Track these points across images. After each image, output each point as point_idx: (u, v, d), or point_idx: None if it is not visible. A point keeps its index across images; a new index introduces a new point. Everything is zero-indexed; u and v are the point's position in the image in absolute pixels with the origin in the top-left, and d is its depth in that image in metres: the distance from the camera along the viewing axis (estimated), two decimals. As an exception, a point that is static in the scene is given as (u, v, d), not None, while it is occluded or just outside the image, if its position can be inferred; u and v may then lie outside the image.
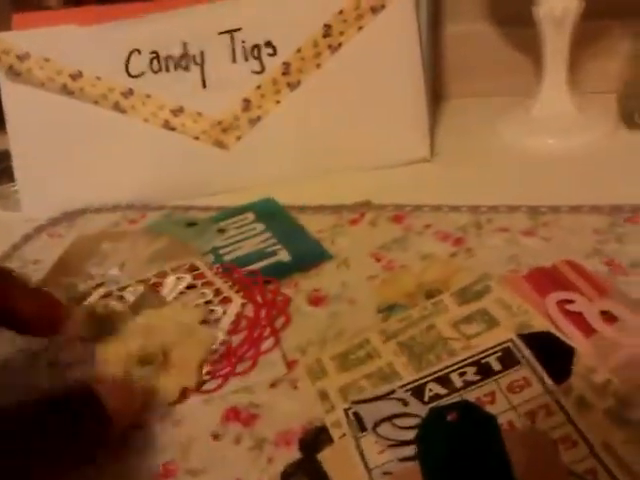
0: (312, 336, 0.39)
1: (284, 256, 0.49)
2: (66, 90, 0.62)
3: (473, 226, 0.48)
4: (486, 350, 0.33)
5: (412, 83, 0.61)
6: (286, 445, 0.32)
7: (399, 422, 0.29)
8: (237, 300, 0.44)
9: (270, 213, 0.56)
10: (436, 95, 0.74)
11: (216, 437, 0.34)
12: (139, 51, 0.61)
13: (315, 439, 0.31)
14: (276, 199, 0.57)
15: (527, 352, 0.32)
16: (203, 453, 0.33)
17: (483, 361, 0.32)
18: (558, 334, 0.32)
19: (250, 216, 0.56)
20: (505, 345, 0.33)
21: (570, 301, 0.34)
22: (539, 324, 0.33)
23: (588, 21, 0.59)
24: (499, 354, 0.32)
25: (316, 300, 0.43)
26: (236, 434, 0.33)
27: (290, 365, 0.37)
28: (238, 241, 0.52)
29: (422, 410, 0.30)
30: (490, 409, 0.29)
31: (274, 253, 0.49)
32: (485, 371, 0.31)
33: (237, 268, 0.48)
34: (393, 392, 0.31)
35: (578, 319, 0.33)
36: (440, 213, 0.50)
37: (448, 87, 0.75)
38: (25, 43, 0.62)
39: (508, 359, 0.32)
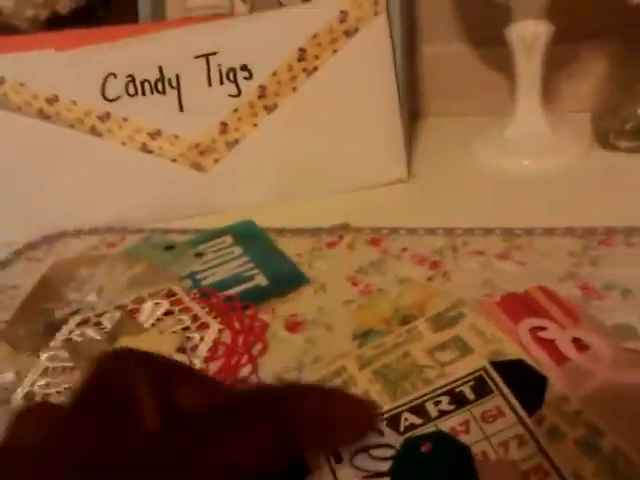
0: (289, 363, 0.39)
1: (262, 280, 0.49)
2: (42, 114, 0.62)
3: (449, 249, 0.48)
4: (460, 379, 0.33)
5: (387, 105, 0.61)
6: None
7: (375, 453, 0.29)
8: (215, 326, 0.44)
9: (248, 235, 0.56)
10: (413, 114, 0.75)
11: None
12: (115, 75, 0.61)
13: (291, 470, 0.31)
14: (254, 221, 0.58)
15: (499, 380, 0.32)
16: None
17: (457, 390, 0.32)
18: (530, 362, 0.33)
19: (228, 239, 0.56)
20: (478, 374, 0.33)
21: (542, 328, 0.35)
22: (512, 352, 0.34)
23: (560, 43, 0.60)
24: (472, 383, 0.32)
25: (293, 325, 0.43)
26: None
27: (267, 394, 0.37)
28: (216, 265, 0.52)
29: (397, 440, 0.30)
30: (464, 439, 0.29)
31: (252, 277, 0.49)
32: (459, 400, 0.32)
33: (215, 293, 0.48)
34: None
35: (550, 346, 0.34)
36: (416, 236, 0.51)
37: (424, 106, 0.76)
38: (0, 68, 0.62)
39: (481, 388, 0.32)
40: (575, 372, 0.32)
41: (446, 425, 0.30)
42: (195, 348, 0.43)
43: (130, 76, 0.61)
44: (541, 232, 0.48)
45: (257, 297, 0.47)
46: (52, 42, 0.63)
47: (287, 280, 0.48)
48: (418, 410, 0.32)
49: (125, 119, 0.62)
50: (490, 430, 0.30)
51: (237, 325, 0.44)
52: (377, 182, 0.61)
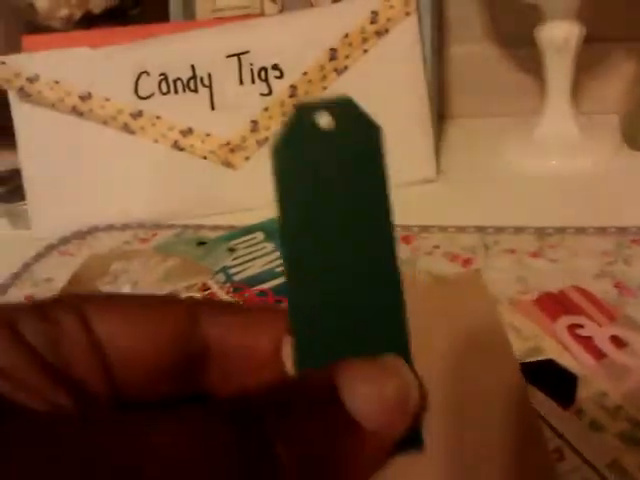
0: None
1: (294, 276, 0.49)
2: (76, 111, 0.63)
3: (481, 247, 0.48)
4: None
5: (416, 104, 0.62)
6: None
7: None
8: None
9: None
10: (441, 114, 0.75)
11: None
12: (148, 73, 0.62)
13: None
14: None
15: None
16: None
17: None
18: (569, 358, 0.33)
19: (259, 235, 0.56)
20: None
21: (580, 325, 0.35)
22: (550, 348, 0.34)
23: (591, 43, 0.60)
24: None
25: (328, 321, 0.44)
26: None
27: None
28: (248, 260, 0.53)
29: None
30: None
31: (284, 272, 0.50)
32: None
33: (248, 287, 0.49)
34: None
35: (588, 343, 0.34)
36: (447, 234, 0.51)
37: (453, 106, 0.76)
38: (35, 65, 0.63)
39: None
40: (613, 368, 0.32)
41: None
42: (231, 342, 0.43)
43: (163, 74, 0.62)
44: (572, 231, 0.48)
45: (290, 292, 0.47)
46: (86, 40, 0.64)
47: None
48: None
49: (157, 117, 0.63)
50: None
51: (272, 320, 0.45)
52: (406, 181, 0.62)
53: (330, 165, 0.20)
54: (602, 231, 0.48)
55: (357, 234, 0.20)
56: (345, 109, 0.20)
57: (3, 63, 0.62)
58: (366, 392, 0.17)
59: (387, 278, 0.20)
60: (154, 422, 0.15)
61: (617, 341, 0.34)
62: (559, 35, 0.58)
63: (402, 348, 0.19)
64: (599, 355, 0.33)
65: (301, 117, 0.20)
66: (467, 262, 0.47)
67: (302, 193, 0.20)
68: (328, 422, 0.17)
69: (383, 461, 0.18)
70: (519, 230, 0.50)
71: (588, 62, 0.66)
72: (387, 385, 0.18)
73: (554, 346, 0.34)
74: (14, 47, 0.69)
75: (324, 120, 0.20)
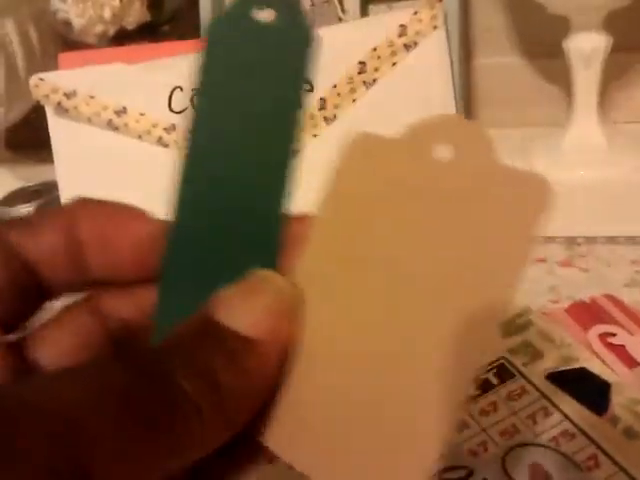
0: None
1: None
2: (111, 125, 0.64)
3: (511, 257, 0.49)
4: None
5: (445, 116, 0.62)
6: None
7: (445, 475, 0.30)
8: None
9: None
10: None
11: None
12: (181, 88, 0.64)
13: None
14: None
15: (519, 364, 0.35)
16: None
17: (482, 377, 0.35)
18: (601, 367, 0.34)
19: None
20: (499, 362, 0.36)
21: (612, 334, 0.36)
22: (582, 356, 0.35)
23: (617, 53, 0.60)
24: (495, 370, 0.35)
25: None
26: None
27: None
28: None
29: None
30: (494, 416, 0.32)
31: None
32: (485, 386, 0.34)
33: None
34: None
35: (621, 351, 0.35)
36: (477, 244, 0.52)
37: (480, 118, 0.77)
38: (72, 81, 0.65)
39: (504, 373, 0.35)
40: (647, 376, 0.33)
41: (476, 408, 0.33)
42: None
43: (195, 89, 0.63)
44: (603, 241, 0.49)
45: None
46: (121, 56, 0.65)
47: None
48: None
49: (190, 130, 0.64)
50: (517, 406, 0.32)
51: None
52: (435, 191, 0.62)
53: (256, 59, 0.20)
54: (632, 240, 0.48)
55: (263, 136, 0.20)
56: (287, 3, 0.20)
57: (41, 80, 0.64)
58: (243, 307, 0.18)
59: (277, 187, 0.20)
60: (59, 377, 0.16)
61: (650, 349, 0.35)
62: (587, 46, 0.58)
63: (270, 259, 0.19)
64: (632, 363, 0.34)
65: (240, 7, 0.20)
66: (497, 272, 0.48)
67: (221, 83, 0.20)
68: (217, 345, 0.17)
69: (283, 370, 0.18)
70: (549, 240, 0.50)
71: (616, 72, 0.66)
72: (260, 296, 0.18)
73: (587, 355, 0.35)
74: (50, 64, 0.71)
75: (264, 14, 0.19)
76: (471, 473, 0.30)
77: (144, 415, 0.15)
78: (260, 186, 0.20)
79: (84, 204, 0.23)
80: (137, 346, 0.21)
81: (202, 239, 0.20)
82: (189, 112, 0.20)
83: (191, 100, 0.20)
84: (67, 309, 0.22)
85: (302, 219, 0.21)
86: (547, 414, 0.31)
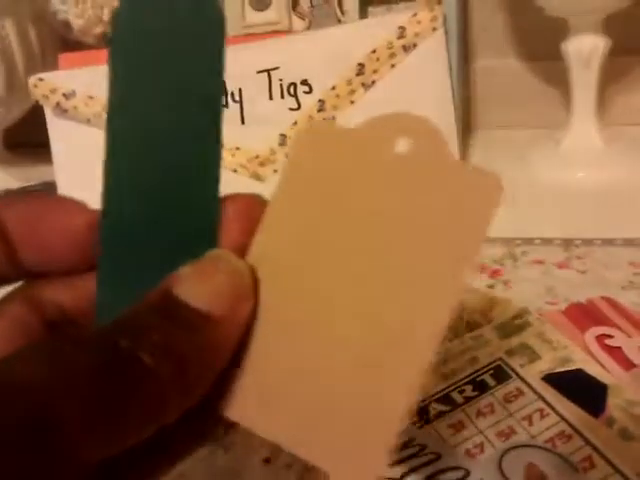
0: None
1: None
2: (110, 126, 0.64)
3: (509, 258, 0.49)
4: (480, 369, 0.36)
5: (443, 118, 0.62)
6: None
7: (442, 477, 0.30)
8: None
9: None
10: (467, 127, 0.76)
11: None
12: (180, 88, 0.64)
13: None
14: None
15: (517, 366, 0.35)
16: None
17: (478, 379, 0.35)
18: (598, 368, 0.34)
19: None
20: (496, 364, 0.36)
21: (609, 336, 0.36)
22: (579, 358, 0.35)
23: (616, 56, 0.60)
24: (492, 371, 0.35)
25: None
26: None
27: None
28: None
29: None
30: (490, 419, 0.32)
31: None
32: (481, 387, 0.34)
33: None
34: None
35: (617, 353, 0.35)
36: (475, 245, 0.52)
37: (479, 119, 0.77)
38: (71, 82, 0.65)
39: (500, 375, 0.35)
40: (643, 378, 0.33)
41: (473, 409, 0.33)
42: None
43: (194, 90, 0.63)
44: (600, 242, 0.49)
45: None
46: (120, 57, 0.65)
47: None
48: (444, 399, 0.34)
49: (189, 131, 0.64)
50: (514, 407, 0.32)
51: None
52: (433, 193, 0.62)
53: (169, 36, 0.20)
54: (630, 242, 0.48)
55: (181, 114, 0.20)
56: None
57: (41, 80, 0.64)
58: (201, 285, 0.19)
59: (206, 171, 0.20)
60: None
61: (646, 351, 0.35)
62: (585, 48, 0.59)
63: (209, 241, 0.20)
64: (629, 365, 0.34)
65: None
66: (495, 273, 0.48)
67: (135, 62, 0.20)
68: (177, 319, 0.18)
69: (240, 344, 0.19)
70: (547, 241, 0.50)
71: (614, 74, 0.66)
72: (217, 274, 0.19)
73: (584, 356, 0.35)
74: (50, 64, 0.72)
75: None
76: (467, 474, 0.30)
77: (110, 390, 0.16)
78: (187, 170, 0.20)
79: (9, 201, 0.23)
80: (85, 327, 0.21)
81: (136, 226, 0.20)
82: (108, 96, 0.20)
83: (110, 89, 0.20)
84: (1, 300, 0.22)
85: (235, 198, 0.21)
86: (543, 415, 0.32)
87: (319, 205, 0.20)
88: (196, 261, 0.19)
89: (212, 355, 0.18)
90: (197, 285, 0.19)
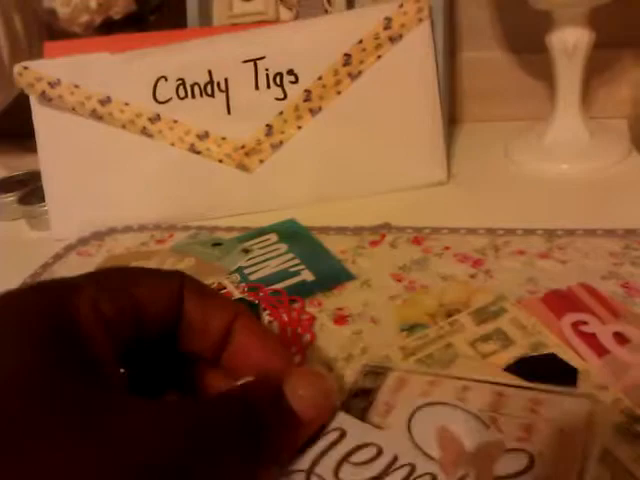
0: (337, 353, 0.41)
1: (308, 276, 0.51)
2: (95, 115, 0.64)
3: (491, 248, 0.49)
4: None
5: (428, 109, 0.63)
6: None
7: (354, 458, 0.28)
8: (264, 318, 0.46)
9: (293, 234, 0.58)
10: (452, 119, 0.76)
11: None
12: (166, 78, 0.64)
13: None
14: (298, 220, 0.59)
15: None
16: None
17: None
18: (571, 354, 0.34)
19: (273, 237, 0.58)
20: None
21: (584, 322, 0.36)
22: (552, 343, 0.35)
23: (600, 49, 0.61)
24: None
25: (339, 319, 0.45)
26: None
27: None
28: (262, 261, 0.54)
29: (378, 437, 0.29)
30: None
31: (298, 273, 0.51)
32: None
33: (263, 287, 0.50)
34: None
35: (591, 340, 0.35)
36: (458, 235, 0.52)
37: (464, 111, 0.77)
38: (56, 70, 0.65)
39: None
40: (615, 364, 0.33)
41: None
42: (245, 338, 0.44)
43: (180, 79, 0.64)
44: (582, 233, 0.49)
45: (303, 292, 0.48)
46: (106, 46, 0.65)
47: (333, 276, 0.50)
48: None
49: (175, 121, 0.64)
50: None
51: (285, 317, 0.46)
52: (417, 184, 0.63)
53: None
54: (611, 233, 0.48)
55: None
56: None
57: (26, 68, 0.64)
58: (303, 394, 0.27)
59: None
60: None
61: (620, 337, 0.35)
62: (569, 41, 0.59)
63: None
64: (602, 351, 0.34)
65: None
66: (477, 263, 0.48)
67: None
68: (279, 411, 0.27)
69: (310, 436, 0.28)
70: (529, 232, 0.51)
71: (598, 67, 0.67)
72: (319, 390, 0.28)
73: (558, 342, 0.35)
74: (35, 53, 0.71)
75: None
76: (380, 452, 0.28)
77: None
78: None
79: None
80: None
81: None
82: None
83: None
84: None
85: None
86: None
87: None
88: (305, 371, 0.32)
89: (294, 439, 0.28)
90: (299, 392, 0.27)
